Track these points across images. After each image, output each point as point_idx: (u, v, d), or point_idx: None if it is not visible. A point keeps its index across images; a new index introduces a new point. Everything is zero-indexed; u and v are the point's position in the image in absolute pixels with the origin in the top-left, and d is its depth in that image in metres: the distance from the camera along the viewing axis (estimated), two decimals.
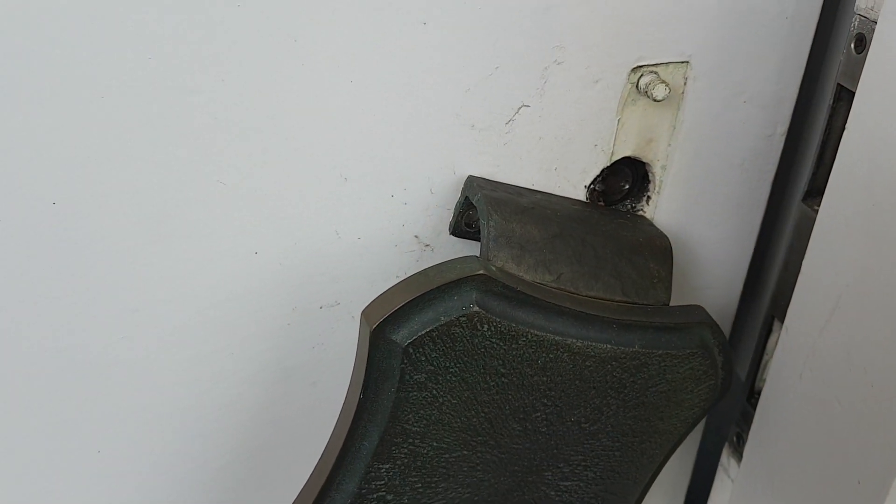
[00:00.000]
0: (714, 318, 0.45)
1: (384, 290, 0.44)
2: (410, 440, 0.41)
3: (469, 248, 0.46)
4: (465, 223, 0.45)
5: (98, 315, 0.40)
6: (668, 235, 0.47)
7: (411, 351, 0.38)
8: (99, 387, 0.42)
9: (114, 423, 0.44)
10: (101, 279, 0.39)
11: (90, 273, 0.39)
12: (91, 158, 0.36)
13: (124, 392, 0.43)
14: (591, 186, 0.46)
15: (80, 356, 0.41)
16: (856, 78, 0.42)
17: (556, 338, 0.40)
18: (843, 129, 0.45)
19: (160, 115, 0.36)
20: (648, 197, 0.48)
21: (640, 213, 0.49)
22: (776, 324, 0.51)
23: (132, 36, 0.34)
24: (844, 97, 0.45)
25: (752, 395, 0.53)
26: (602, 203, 0.48)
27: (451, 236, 0.45)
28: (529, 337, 0.40)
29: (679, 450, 0.48)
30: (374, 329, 0.38)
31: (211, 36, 0.35)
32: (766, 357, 0.52)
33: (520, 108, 0.42)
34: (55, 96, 0.34)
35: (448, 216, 0.45)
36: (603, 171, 0.46)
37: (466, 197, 0.43)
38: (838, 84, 0.44)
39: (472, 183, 0.43)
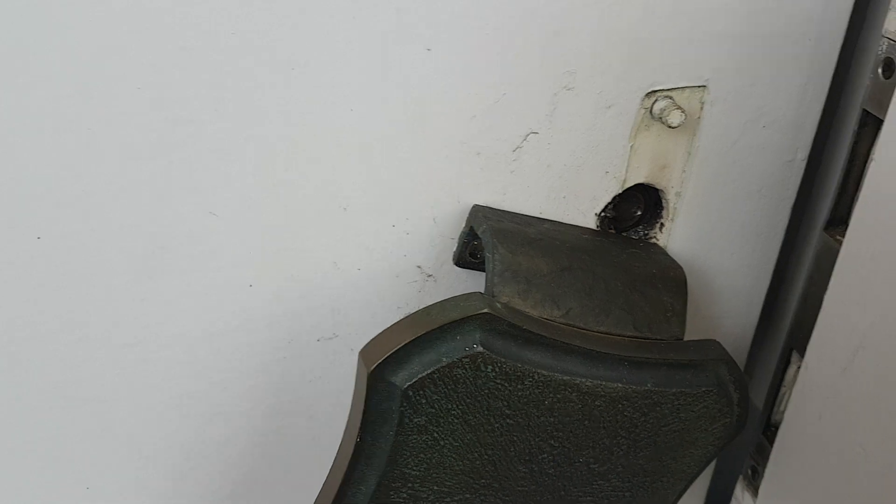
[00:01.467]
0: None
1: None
2: (410, 484, 0.39)
3: (473, 279, 0.44)
4: (469, 254, 0.43)
5: (89, 351, 0.38)
6: (682, 264, 0.44)
7: (411, 394, 0.36)
8: (90, 422, 0.41)
9: (104, 458, 0.42)
10: (91, 314, 0.38)
11: (79, 308, 0.37)
12: (78, 190, 0.34)
13: (116, 428, 0.41)
14: (602, 214, 0.44)
15: (72, 392, 0.39)
16: (883, 104, 0.40)
17: (565, 377, 0.38)
18: (868, 155, 0.43)
19: (151, 146, 0.34)
20: (662, 224, 0.46)
21: (653, 240, 0.46)
22: (794, 355, 0.49)
23: (122, 65, 0.32)
24: (870, 123, 0.42)
25: (769, 428, 0.51)
26: (613, 230, 0.46)
27: (455, 266, 0.43)
28: (536, 377, 0.38)
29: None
30: (373, 371, 0.36)
31: (204, 64, 0.33)
32: (783, 389, 0.50)
33: (528, 135, 0.40)
34: (39, 126, 0.33)
35: (452, 246, 0.43)
36: (614, 198, 0.44)
37: (471, 227, 0.41)
38: (864, 109, 0.42)
39: (478, 213, 0.41)
